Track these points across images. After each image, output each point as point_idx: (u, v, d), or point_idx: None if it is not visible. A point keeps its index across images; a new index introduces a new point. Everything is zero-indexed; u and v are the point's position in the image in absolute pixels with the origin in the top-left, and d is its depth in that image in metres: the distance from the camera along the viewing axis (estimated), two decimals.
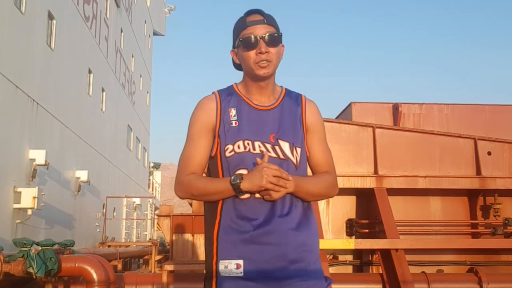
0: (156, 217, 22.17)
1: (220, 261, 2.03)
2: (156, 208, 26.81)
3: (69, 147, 14.20)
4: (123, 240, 20.35)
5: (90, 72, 16.72)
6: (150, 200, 27.50)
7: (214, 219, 2.10)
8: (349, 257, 6.83)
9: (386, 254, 6.34)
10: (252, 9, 2.18)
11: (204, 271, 2.14)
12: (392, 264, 6.18)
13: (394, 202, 6.72)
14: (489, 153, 7.09)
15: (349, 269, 6.84)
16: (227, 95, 2.20)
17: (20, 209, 10.40)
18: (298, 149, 2.14)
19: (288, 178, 1.99)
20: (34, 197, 10.37)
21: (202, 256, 7.43)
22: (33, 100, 11.49)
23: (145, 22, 29.37)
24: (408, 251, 6.36)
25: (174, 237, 7.49)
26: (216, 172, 2.13)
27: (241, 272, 1.99)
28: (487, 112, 8.13)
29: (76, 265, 5.97)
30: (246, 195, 2.03)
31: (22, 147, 10.84)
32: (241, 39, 2.13)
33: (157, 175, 36.54)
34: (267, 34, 2.10)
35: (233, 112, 2.15)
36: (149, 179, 32.55)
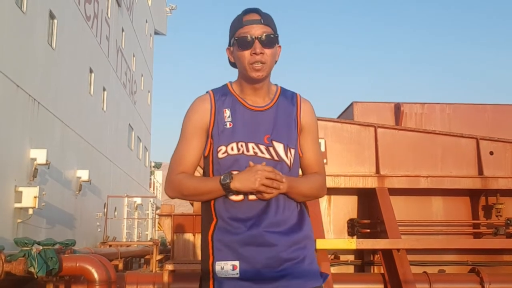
0: (157, 216, 22.17)
1: (217, 262, 2.03)
2: (157, 208, 26.82)
3: (70, 146, 14.20)
4: (124, 240, 20.35)
5: (91, 71, 16.72)
6: (151, 199, 27.49)
7: (209, 220, 2.10)
8: (351, 257, 6.82)
9: (387, 254, 6.33)
10: (250, 7, 2.15)
11: (200, 271, 2.13)
12: (393, 264, 6.17)
13: (396, 202, 6.71)
14: (491, 153, 7.07)
15: (350, 269, 6.84)
16: (221, 95, 2.17)
17: (21, 208, 10.40)
18: (292, 150, 2.13)
19: (281, 180, 1.99)
20: (35, 197, 10.37)
21: None
22: (34, 99, 11.49)
23: (146, 22, 29.38)
24: (410, 251, 6.35)
25: (175, 237, 7.49)
26: (208, 172, 2.14)
27: (237, 273, 1.99)
28: (489, 112, 8.12)
29: (77, 264, 5.97)
30: (239, 197, 2.03)
31: (23, 147, 10.84)
32: (236, 38, 2.10)
33: (158, 175, 36.56)
34: (263, 34, 2.06)
35: (227, 113, 2.13)
36: (150, 179, 32.58)
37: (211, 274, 2.05)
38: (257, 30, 2.07)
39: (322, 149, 6.66)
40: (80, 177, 14.71)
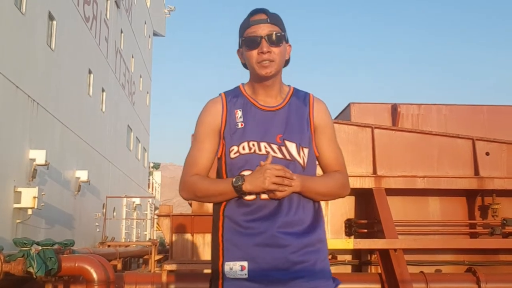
0: (155, 217, 22.17)
1: (226, 263, 2.03)
2: (155, 208, 26.81)
3: (69, 147, 14.22)
4: (123, 240, 20.35)
5: (90, 72, 16.74)
6: (150, 200, 27.48)
7: (219, 221, 2.10)
8: (348, 257, 6.85)
9: (384, 254, 6.36)
10: (257, 8, 2.16)
11: (210, 272, 2.14)
12: (390, 264, 6.21)
13: (393, 202, 6.75)
14: (487, 154, 7.12)
15: (348, 269, 6.87)
16: (233, 96, 2.19)
17: (20, 209, 10.42)
18: (305, 150, 2.11)
19: (292, 177, 1.98)
20: (34, 197, 10.39)
21: (201, 256, 7.45)
22: (34, 100, 11.51)
23: (145, 23, 29.39)
24: (407, 251, 6.39)
25: (173, 237, 7.51)
26: (221, 173, 2.14)
27: (245, 274, 1.98)
28: (486, 112, 8.16)
29: (76, 264, 5.98)
30: (251, 196, 2.02)
31: (22, 147, 10.86)
32: (244, 38, 2.12)
33: (157, 175, 36.52)
34: (270, 33, 2.08)
35: (239, 113, 2.14)
36: (149, 179, 32.55)
37: (220, 274, 2.04)
38: (264, 30, 2.08)
39: None
40: (79, 178, 14.72)
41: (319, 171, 2.24)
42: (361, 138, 7.01)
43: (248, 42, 2.10)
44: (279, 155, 2.06)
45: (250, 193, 2.01)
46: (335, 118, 8.45)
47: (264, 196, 2.01)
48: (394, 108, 8.02)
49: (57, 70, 13.25)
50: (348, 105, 8.23)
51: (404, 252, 6.29)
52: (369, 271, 6.91)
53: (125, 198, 21.11)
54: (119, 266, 11.93)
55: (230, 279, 2.01)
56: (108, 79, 19.69)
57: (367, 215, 6.96)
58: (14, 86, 10.47)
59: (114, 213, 19.74)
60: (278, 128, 2.11)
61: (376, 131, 7.04)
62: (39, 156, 11.09)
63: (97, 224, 16.81)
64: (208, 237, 7.47)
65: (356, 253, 6.86)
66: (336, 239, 6.76)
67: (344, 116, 8.36)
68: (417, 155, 7.06)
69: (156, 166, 37.05)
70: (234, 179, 2.00)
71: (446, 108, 8.14)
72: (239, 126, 2.11)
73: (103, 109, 18.72)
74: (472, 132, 7.48)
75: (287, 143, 2.09)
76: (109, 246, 14.51)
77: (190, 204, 7.71)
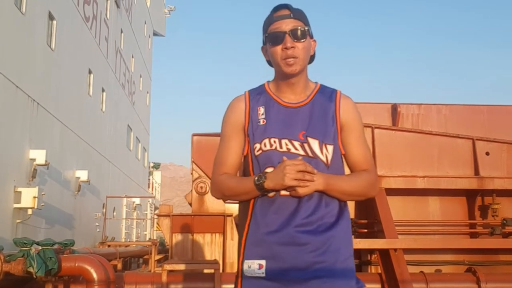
0: (155, 217, 22.18)
1: (245, 261, 2.03)
2: (155, 208, 26.82)
3: (69, 147, 14.22)
4: (123, 240, 20.36)
5: (90, 72, 16.74)
6: (150, 200, 27.50)
7: (245, 219, 2.09)
8: None
9: (384, 254, 6.36)
10: (280, 4, 2.13)
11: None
12: (390, 263, 6.21)
13: (393, 202, 6.75)
14: (487, 154, 7.12)
15: None
16: (257, 94, 2.17)
17: (20, 208, 10.42)
18: (329, 147, 2.07)
19: (313, 171, 1.95)
20: (34, 197, 10.39)
21: (202, 256, 7.45)
22: (34, 100, 11.51)
23: (145, 23, 29.38)
24: (407, 251, 6.39)
25: (173, 237, 7.51)
26: (248, 171, 2.13)
27: (262, 273, 1.97)
28: (486, 112, 8.15)
29: (76, 264, 5.98)
30: (273, 193, 2.01)
31: (22, 147, 10.86)
32: (267, 34, 2.11)
33: (157, 175, 36.53)
34: (294, 28, 2.05)
35: (261, 110, 2.12)
36: (149, 179, 32.55)
37: (240, 272, 2.05)
38: (287, 25, 2.06)
39: None
40: (79, 178, 14.73)
41: (346, 169, 2.18)
42: None
43: (271, 38, 2.08)
44: (301, 152, 2.04)
45: (272, 190, 1.99)
46: None
47: (283, 192, 1.98)
48: (394, 108, 8.02)
49: (57, 70, 13.25)
50: None
51: (404, 252, 6.29)
52: (369, 271, 6.92)
53: (125, 198, 21.11)
54: (119, 266, 11.94)
55: (248, 277, 2.01)
56: (108, 79, 19.69)
57: (367, 215, 6.96)
58: (14, 86, 10.47)
59: (114, 213, 19.74)
60: (301, 125, 2.08)
61: (376, 131, 7.04)
62: (39, 156, 11.10)
63: (97, 224, 16.81)
64: (208, 237, 7.47)
65: (356, 253, 6.87)
66: None
67: None
68: (417, 155, 7.06)
69: (156, 166, 37.05)
70: (256, 177, 2.00)
71: (446, 108, 8.14)
72: (261, 123, 2.10)
73: (103, 109, 18.72)
74: (472, 132, 7.48)
75: (310, 140, 2.06)
76: (109, 246, 14.51)
77: (190, 204, 7.71)
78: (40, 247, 5.89)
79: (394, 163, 6.98)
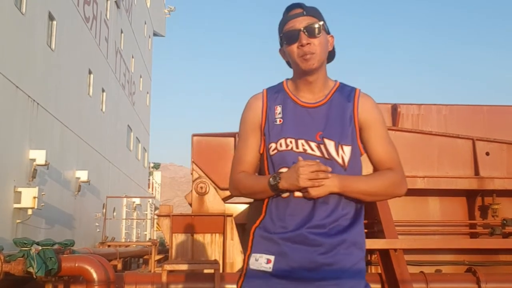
0: (155, 217, 22.18)
1: (252, 254, 2.02)
2: (155, 208, 26.82)
3: (69, 147, 14.22)
4: (123, 240, 20.37)
5: (90, 72, 16.75)
6: (150, 200, 27.51)
7: (258, 216, 2.10)
8: None
9: (384, 254, 6.36)
10: (293, 3, 2.12)
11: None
12: (390, 264, 6.21)
13: (393, 202, 6.73)
14: (487, 154, 7.12)
15: None
16: (274, 92, 2.15)
17: (20, 209, 10.43)
18: (346, 148, 2.03)
19: (327, 170, 1.92)
20: (34, 197, 10.40)
21: (201, 256, 7.45)
22: (34, 100, 11.52)
23: (145, 23, 29.40)
24: (407, 251, 6.39)
25: (173, 237, 7.51)
26: (263, 169, 2.11)
27: (269, 267, 1.96)
28: (486, 112, 8.15)
29: (76, 264, 5.98)
30: (286, 194, 1.99)
31: (22, 147, 10.86)
32: (282, 34, 2.10)
33: (157, 175, 36.54)
34: (308, 25, 2.04)
35: (278, 109, 2.10)
36: (149, 179, 32.57)
37: (244, 271, 2.04)
38: (301, 22, 2.04)
39: None
40: (79, 178, 14.74)
41: (365, 170, 2.13)
42: None
43: (287, 37, 2.07)
44: (317, 153, 2.01)
45: (287, 191, 1.98)
46: None
47: (297, 194, 1.97)
48: (394, 108, 8.01)
49: (57, 70, 13.25)
50: None
51: (404, 252, 6.29)
52: (369, 271, 6.91)
53: (125, 198, 21.13)
54: (119, 266, 11.94)
55: (253, 270, 1.99)
56: (108, 79, 19.70)
57: (367, 215, 6.95)
58: (14, 86, 10.48)
59: (114, 213, 19.75)
60: (318, 125, 2.05)
61: None
62: (39, 156, 11.10)
63: (97, 224, 16.81)
64: (208, 237, 7.47)
65: None
66: None
67: None
68: (417, 155, 7.06)
69: (156, 166, 37.07)
70: (271, 177, 1.98)
71: (446, 108, 8.13)
72: (278, 122, 2.08)
73: (103, 109, 18.72)
74: (472, 132, 7.48)
75: (326, 141, 2.03)
76: (109, 246, 14.52)
77: (190, 204, 7.71)
78: (40, 247, 5.89)
79: None
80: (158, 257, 13.83)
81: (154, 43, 33.08)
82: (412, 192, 7.01)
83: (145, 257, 15.85)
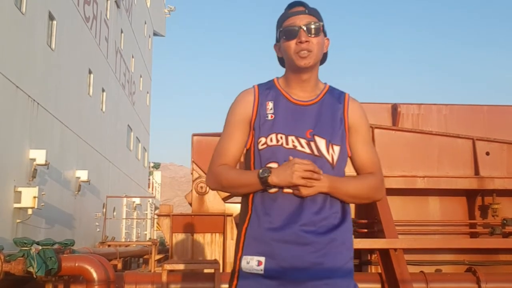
0: (156, 216, 22.19)
1: (244, 257, 2.01)
2: (156, 208, 26.83)
3: (69, 147, 14.22)
4: (123, 240, 20.36)
5: (90, 72, 16.74)
6: (150, 200, 27.50)
7: (245, 214, 2.07)
8: None
9: (384, 254, 6.37)
10: (295, 1, 2.14)
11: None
12: (390, 263, 6.21)
13: (393, 202, 6.75)
14: (487, 153, 7.12)
15: None
16: (266, 88, 2.16)
17: (20, 208, 10.42)
18: (336, 147, 2.06)
19: (319, 172, 1.94)
20: (34, 197, 10.39)
21: (201, 255, 7.46)
22: (34, 100, 11.52)
23: (145, 23, 29.39)
24: (407, 250, 6.39)
25: (173, 237, 7.51)
26: (249, 164, 2.11)
27: (261, 270, 1.95)
28: (486, 112, 8.15)
29: (76, 264, 5.98)
30: (274, 189, 1.99)
31: (22, 147, 10.86)
32: (282, 29, 2.11)
33: (157, 175, 36.55)
34: (308, 23, 2.06)
35: (270, 105, 2.11)
36: (149, 179, 32.57)
37: (237, 267, 2.03)
38: (302, 20, 2.07)
39: None
40: (79, 178, 14.73)
41: (347, 170, 2.17)
42: None
43: (286, 33, 2.08)
44: (307, 150, 2.03)
45: (275, 186, 1.97)
46: None
47: (286, 190, 1.97)
48: (394, 108, 8.02)
49: (57, 70, 13.25)
50: None
51: (404, 252, 6.29)
52: (369, 271, 6.92)
53: (125, 198, 21.12)
54: (119, 266, 11.94)
55: (246, 273, 1.99)
56: (108, 79, 19.69)
57: (367, 215, 6.96)
58: (14, 86, 10.47)
59: (114, 213, 19.75)
60: (309, 123, 2.08)
61: (376, 131, 7.04)
62: (39, 156, 11.10)
63: (97, 224, 16.81)
64: (208, 237, 7.47)
65: (356, 252, 6.86)
66: None
67: None
68: (417, 155, 7.06)
69: (156, 166, 37.08)
70: (260, 171, 1.97)
71: (446, 108, 8.14)
72: (269, 118, 2.09)
73: (103, 109, 18.72)
74: (472, 132, 7.49)
75: (317, 138, 2.05)
76: (109, 246, 14.51)
77: (190, 204, 7.71)
78: (40, 247, 5.89)
79: (394, 163, 6.97)
80: (158, 256, 13.83)
81: (154, 43, 33.09)
82: (412, 192, 7.07)
83: (145, 256, 15.84)
